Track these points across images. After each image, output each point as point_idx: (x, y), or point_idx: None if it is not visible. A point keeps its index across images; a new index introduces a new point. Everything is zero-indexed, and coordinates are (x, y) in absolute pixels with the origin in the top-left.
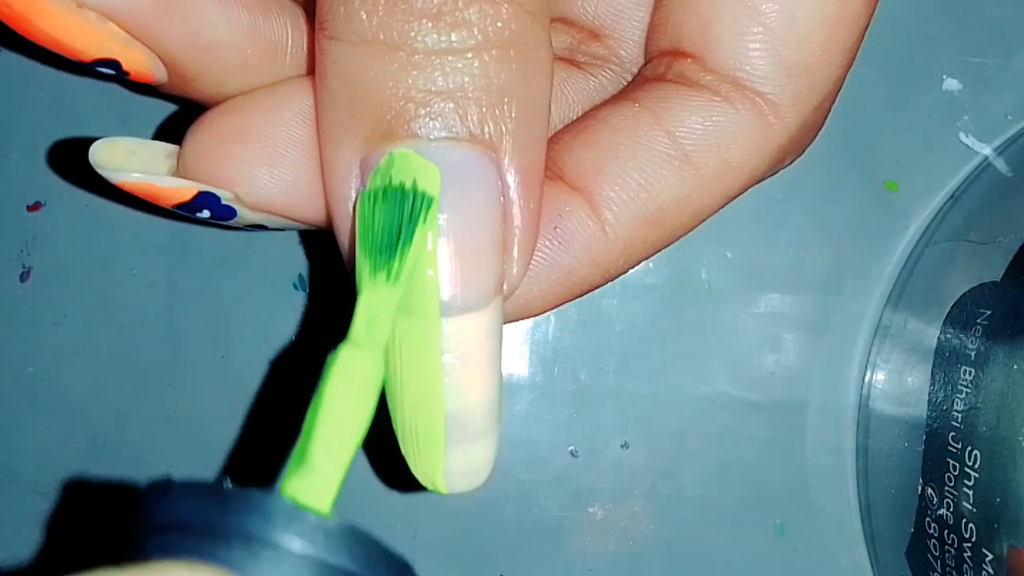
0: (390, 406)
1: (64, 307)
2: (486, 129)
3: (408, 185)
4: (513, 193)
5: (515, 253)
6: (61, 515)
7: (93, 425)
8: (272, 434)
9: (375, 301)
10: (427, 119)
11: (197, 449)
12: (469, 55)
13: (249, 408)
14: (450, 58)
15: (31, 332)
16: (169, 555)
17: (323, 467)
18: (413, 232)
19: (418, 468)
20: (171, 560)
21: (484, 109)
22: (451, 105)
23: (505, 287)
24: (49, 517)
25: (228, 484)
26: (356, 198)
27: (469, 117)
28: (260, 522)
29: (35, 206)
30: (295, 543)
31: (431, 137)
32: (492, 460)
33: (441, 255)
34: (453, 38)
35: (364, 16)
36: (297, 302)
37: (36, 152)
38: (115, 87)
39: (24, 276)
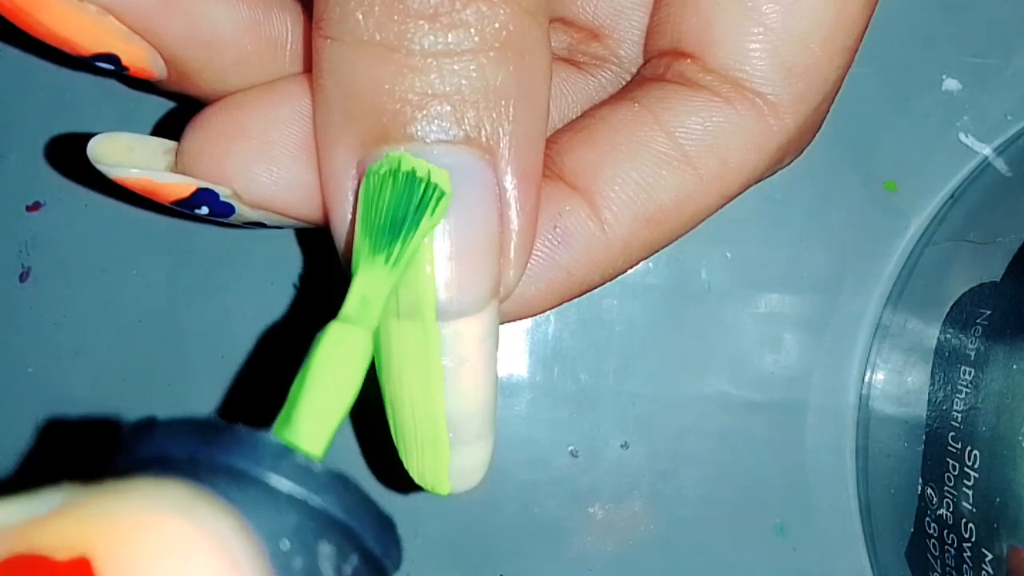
0: (387, 409)
1: (64, 307)
2: (483, 132)
3: (421, 173)
4: (510, 196)
5: (512, 256)
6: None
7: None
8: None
9: (371, 282)
10: (424, 122)
11: None
12: (466, 57)
13: (247, 408)
14: (447, 60)
15: (31, 332)
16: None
17: (307, 431)
18: (420, 219)
19: (418, 471)
20: (151, 478)
21: (481, 112)
22: (448, 108)
23: (502, 290)
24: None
25: (213, 420)
26: (354, 199)
27: (466, 120)
28: (246, 457)
29: (34, 206)
30: (281, 481)
31: (428, 140)
32: (487, 462)
33: (438, 258)
34: (450, 39)
35: (360, 16)
36: (297, 302)
37: (35, 152)
38: (114, 85)
39: (24, 276)
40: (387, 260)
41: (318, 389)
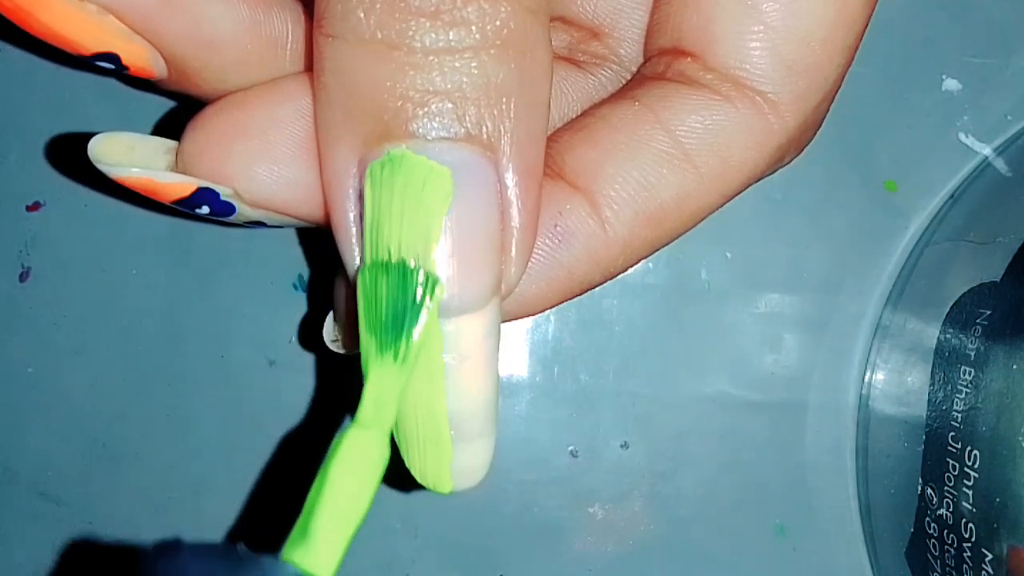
0: None
1: (64, 307)
2: (484, 129)
3: (412, 263)
4: (511, 193)
5: (513, 253)
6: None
7: (93, 425)
8: (271, 436)
9: (382, 382)
10: (425, 119)
11: (196, 449)
12: (467, 54)
13: (248, 411)
14: (448, 57)
15: (31, 332)
16: None
17: (324, 544)
18: (420, 311)
19: (419, 469)
20: None
21: (482, 109)
22: (449, 105)
23: (503, 287)
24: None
25: (238, 547)
26: (356, 197)
27: (467, 117)
28: None
29: (34, 206)
30: None
31: (429, 137)
32: (489, 460)
33: (440, 256)
34: (451, 37)
35: (362, 14)
36: (297, 302)
37: (35, 152)
38: (114, 85)
39: (24, 276)
40: (395, 358)
41: (334, 503)
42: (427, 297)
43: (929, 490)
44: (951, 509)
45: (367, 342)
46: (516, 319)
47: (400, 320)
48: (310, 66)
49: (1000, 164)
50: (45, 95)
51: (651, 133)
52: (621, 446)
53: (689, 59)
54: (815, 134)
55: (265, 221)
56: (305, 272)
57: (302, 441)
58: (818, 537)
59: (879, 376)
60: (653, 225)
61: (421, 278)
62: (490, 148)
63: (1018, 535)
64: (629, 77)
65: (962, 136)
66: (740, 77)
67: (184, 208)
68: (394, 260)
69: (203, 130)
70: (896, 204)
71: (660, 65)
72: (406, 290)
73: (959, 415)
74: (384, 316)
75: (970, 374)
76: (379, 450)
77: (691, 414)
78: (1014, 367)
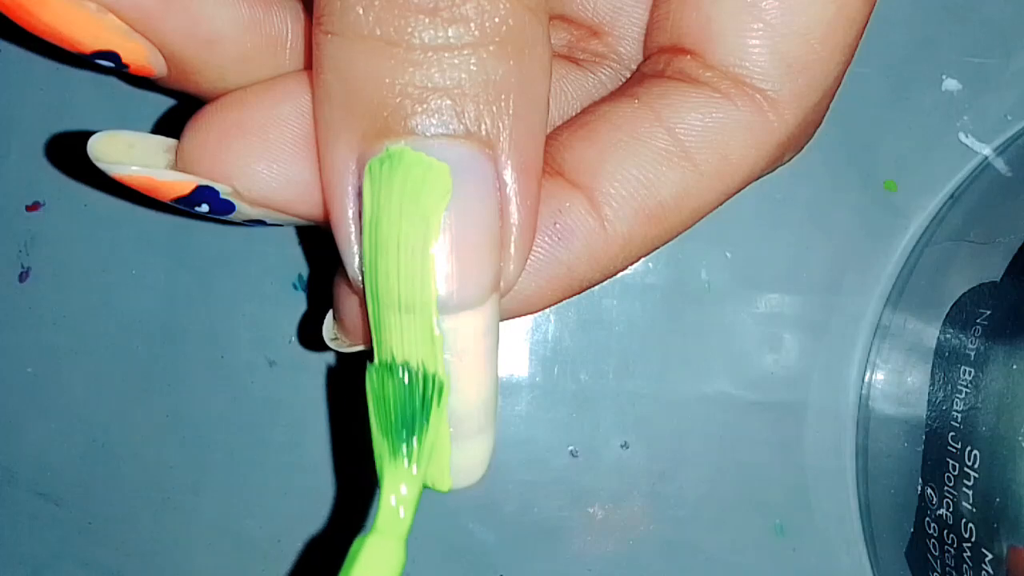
0: None
1: (64, 307)
2: (483, 126)
3: (416, 363)
4: (510, 190)
5: (512, 250)
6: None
7: (93, 425)
8: (271, 436)
9: (398, 486)
10: (424, 116)
11: (197, 449)
12: (466, 51)
13: (248, 411)
14: (447, 54)
15: (31, 332)
16: None
17: None
18: (428, 417)
19: None
20: None
21: (481, 106)
22: (448, 102)
23: (502, 284)
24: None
25: None
26: (355, 195)
27: (466, 114)
28: None
29: (34, 206)
30: None
31: (428, 134)
32: (489, 457)
33: (438, 252)
34: (450, 34)
35: (361, 11)
36: (297, 302)
37: (35, 152)
38: (114, 84)
39: (23, 276)
40: (409, 461)
41: None
42: (434, 401)
43: (929, 490)
44: (951, 509)
45: (380, 445)
46: (515, 317)
47: (411, 423)
48: (309, 64)
49: (1000, 164)
50: (44, 94)
51: (651, 131)
52: (621, 446)
53: (689, 57)
54: (815, 132)
55: (265, 219)
56: (305, 272)
57: (302, 441)
58: (818, 537)
59: (879, 376)
60: (653, 223)
61: (427, 382)
62: (489, 145)
63: (1018, 535)
64: (629, 75)
65: (962, 136)
66: (740, 75)
67: (183, 206)
68: (398, 361)
69: (203, 128)
70: (896, 204)
71: (660, 63)
72: (413, 394)
73: (959, 415)
74: (394, 419)
75: (970, 374)
76: (397, 557)
77: (691, 414)
78: (1014, 367)
